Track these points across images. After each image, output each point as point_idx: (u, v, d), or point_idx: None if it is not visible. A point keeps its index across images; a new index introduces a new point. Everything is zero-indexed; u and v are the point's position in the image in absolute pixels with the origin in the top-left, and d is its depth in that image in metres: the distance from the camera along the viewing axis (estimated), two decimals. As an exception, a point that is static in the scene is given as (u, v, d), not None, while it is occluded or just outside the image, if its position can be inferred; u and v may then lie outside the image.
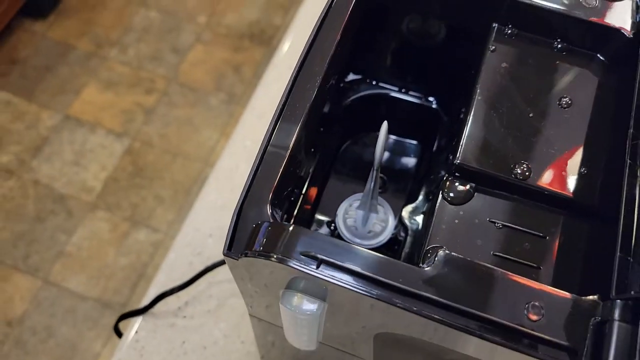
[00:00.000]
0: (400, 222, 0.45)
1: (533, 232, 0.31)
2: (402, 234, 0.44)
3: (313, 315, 0.30)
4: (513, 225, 0.31)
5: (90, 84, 1.65)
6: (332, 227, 0.47)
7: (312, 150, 0.44)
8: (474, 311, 0.25)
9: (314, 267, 0.26)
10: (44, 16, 1.72)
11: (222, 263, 0.64)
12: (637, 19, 0.33)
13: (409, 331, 0.28)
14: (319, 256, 0.26)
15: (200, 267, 0.63)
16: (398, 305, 0.25)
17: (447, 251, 0.26)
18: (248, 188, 0.29)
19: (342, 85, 0.48)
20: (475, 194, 0.32)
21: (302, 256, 0.26)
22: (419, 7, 0.39)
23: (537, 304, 0.25)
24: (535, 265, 0.30)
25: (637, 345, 0.23)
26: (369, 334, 0.31)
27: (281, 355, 0.49)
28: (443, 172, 0.33)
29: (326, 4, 0.35)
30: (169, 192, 1.50)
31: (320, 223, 0.48)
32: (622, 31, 0.33)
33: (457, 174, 0.32)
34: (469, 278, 0.26)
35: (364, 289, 0.26)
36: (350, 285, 0.26)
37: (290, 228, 0.27)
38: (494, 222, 0.31)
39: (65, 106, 1.63)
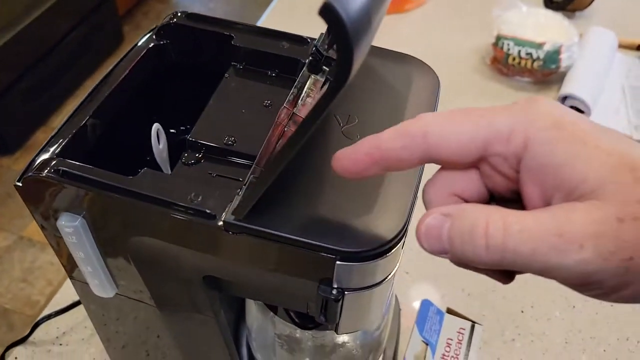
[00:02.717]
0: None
1: (233, 177, 0.47)
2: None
3: (76, 229, 0.44)
4: (222, 175, 0.47)
5: (45, 208, 1.81)
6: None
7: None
8: (157, 196, 0.40)
9: (61, 177, 0.42)
10: (11, 152, 1.95)
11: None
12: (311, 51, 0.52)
13: (145, 231, 0.43)
14: (64, 169, 0.42)
15: (81, 303, 0.76)
16: (117, 196, 0.41)
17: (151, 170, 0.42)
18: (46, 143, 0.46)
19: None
20: (203, 160, 0.48)
21: (58, 173, 0.42)
22: (189, 64, 0.58)
23: (198, 192, 0.41)
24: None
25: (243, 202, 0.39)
26: (124, 247, 0.46)
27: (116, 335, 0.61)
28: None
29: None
30: (107, 301, 1.59)
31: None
32: (301, 60, 0.52)
33: (191, 146, 0.49)
34: (166, 180, 0.42)
35: (92, 188, 0.41)
36: (84, 187, 0.42)
37: (55, 161, 0.44)
38: (211, 173, 0.47)
39: (20, 228, 1.78)
